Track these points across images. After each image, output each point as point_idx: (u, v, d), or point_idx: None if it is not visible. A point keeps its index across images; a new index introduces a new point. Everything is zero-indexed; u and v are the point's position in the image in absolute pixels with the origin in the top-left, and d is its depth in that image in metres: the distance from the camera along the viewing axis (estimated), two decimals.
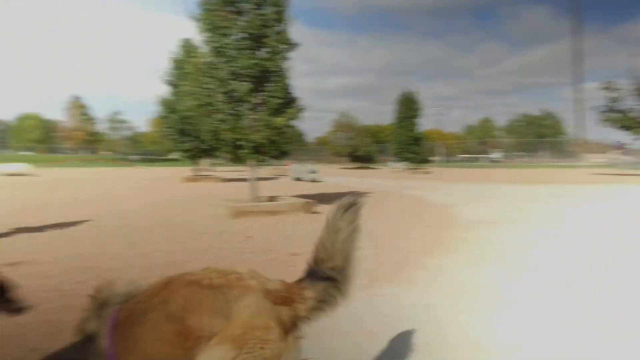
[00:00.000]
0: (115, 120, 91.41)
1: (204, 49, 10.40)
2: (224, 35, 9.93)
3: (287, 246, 5.96)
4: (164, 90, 21.54)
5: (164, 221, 8.47)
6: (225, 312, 1.42)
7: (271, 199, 10.45)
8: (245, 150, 10.11)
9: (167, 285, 1.56)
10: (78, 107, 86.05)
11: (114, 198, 13.47)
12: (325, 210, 9.92)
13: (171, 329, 1.45)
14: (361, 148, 61.11)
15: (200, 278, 1.54)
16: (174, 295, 1.51)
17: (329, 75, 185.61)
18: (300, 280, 1.62)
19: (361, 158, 59.72)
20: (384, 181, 22.98)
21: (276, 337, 1.39)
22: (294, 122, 10.45)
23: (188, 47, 20.12)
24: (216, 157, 21.52)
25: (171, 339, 1.44)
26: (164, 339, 1.45)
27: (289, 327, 1.45)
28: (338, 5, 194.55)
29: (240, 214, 8.99)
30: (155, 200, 12.83)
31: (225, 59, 9.97)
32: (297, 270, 1.76)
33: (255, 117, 10.14)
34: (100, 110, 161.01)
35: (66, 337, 2.11)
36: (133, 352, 1.48)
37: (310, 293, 1.53)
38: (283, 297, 1.50)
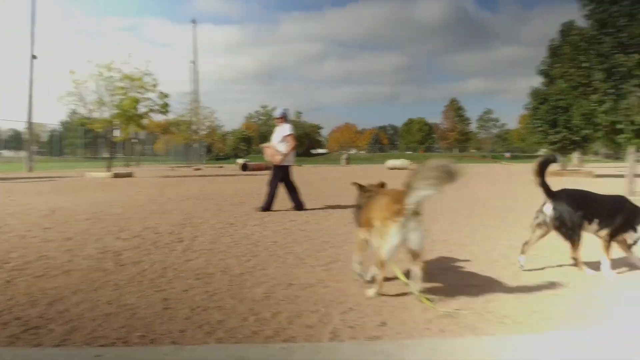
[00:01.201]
0: (486, 119, 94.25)
1: (585, 24, 9.36)
2: (613, 2, 8.62)
3: None
4: (537, 81, 20.63)
5: (521, 209, 8.16)
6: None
7: None
8: (625, 135, 8.45)
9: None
10: (454, 109, 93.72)
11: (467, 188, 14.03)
12: None
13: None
14: None
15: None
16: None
17: None
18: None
19: None
20: None
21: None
22: None
23: (566, 31, 18.48)
24: (587, 150, 18.94)
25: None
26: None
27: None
28: None
29: None
30: (509, 190, 12.58)
31: (611, 30, 8.66)
32: None
33: None
34: (473, 110, 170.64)
35: None
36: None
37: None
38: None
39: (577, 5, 9.05)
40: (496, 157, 68.20)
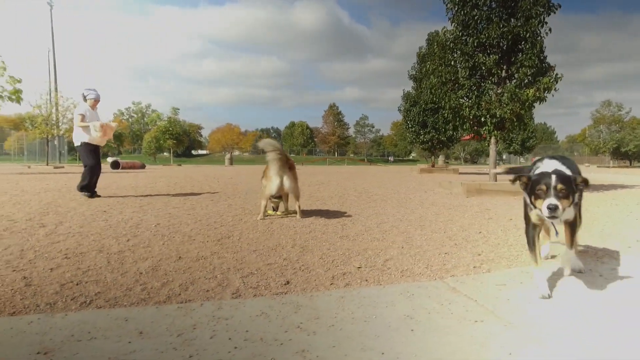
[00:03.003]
0: (362, 125, 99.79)
1: (451, 26, 10.08)
2: (474, 6, 9.48)
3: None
4: (409, 86, 22.41)
5: (398, 196, 8.64)
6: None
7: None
8: (487, 127, 9.48)
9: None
10: (334, 114, 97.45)
11: (351, 182, 14.60)
12: None
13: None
14: (629, 144, 49.36)
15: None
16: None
17: (589, 65, 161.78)
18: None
19: (629, 156, 48.97)
20: None
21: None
22: (547, 96, 9.18)
23: (431, 39, 20.28)
24: (450, 151, 20.99)
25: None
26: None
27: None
28: None
29: (475, 192, 8.48)
30: (392, 182, 13.36)
31: (473, 32, 9.52)
32: None
33: (501, 90, 9.39)
34: (350, 116, 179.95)
35: None
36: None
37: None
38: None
39: (443, 8, 9.78)
40: (371, 160, 76.26)
